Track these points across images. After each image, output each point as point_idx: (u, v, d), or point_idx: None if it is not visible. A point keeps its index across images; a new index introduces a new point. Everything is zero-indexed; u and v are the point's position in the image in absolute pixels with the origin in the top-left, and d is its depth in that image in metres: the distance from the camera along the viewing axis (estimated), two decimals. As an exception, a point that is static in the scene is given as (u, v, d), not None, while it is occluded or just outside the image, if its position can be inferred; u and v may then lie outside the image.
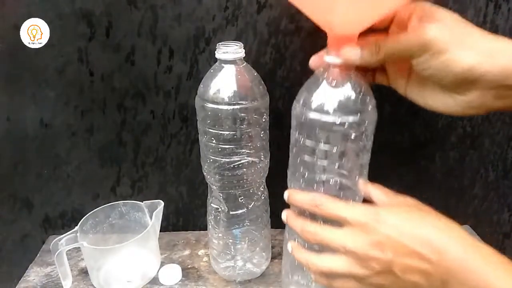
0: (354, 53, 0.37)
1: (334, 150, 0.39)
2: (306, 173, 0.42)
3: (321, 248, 0.40)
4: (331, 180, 0.41)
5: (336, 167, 0.40)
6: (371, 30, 0.42)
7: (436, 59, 0.36)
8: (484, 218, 0.69)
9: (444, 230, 0.35)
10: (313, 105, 0.39)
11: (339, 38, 0.38)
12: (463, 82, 0.36)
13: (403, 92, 0.43)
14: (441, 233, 0.34)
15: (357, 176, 0.41)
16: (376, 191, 0.41)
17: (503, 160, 0.65)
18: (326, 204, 0.39)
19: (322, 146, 0.39)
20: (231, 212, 0.53)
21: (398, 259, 0.34)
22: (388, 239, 0.35)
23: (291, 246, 0.43)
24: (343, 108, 0.38)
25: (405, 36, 0.37)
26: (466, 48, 0.35)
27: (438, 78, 0.37)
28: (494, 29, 0.55)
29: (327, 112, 0.38)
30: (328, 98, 0.38)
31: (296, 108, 0.41)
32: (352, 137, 0.38)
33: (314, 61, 0.44)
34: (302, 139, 0.41)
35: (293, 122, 0.42)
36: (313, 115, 0.39)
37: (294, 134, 0.42)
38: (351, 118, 0.38)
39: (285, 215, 0.43)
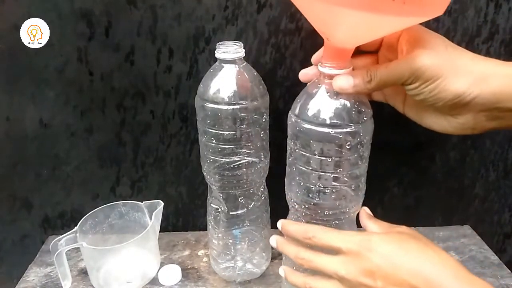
0: (346, 82, 0.37)
1: (329, 160, 0.39)
2: (302, 182, 0.41)
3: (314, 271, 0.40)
4: (327, 189, 0.40)
5: (332, 177, 0.40)
6: (361, 52, 0.42)
7: (427, 86, 0.36)
8: (484, 218, 0.69)
9: (437, 262, 0.34)
10: (308, 116, 0.39)
11: (335, 49, 0.38)
12: (455, 106, 0.36)
13: (401, 110, 0.44)
14: (434, 265, 0.34)
15: (353, 185, 0.41)
16: (373, 226, 0.41)
17: (504, 160, 0.64)
18: (319, 235, 0.39)
19: (317, 156, 0.39)
20: (231, 213, 0.53)
21: None
22: (378, 268, 0.35)
23: (283, 271, 0.44)
24: (338, 119, 0.38)
25: (395, 65, 0.37)
26: (456, 74, 0.35)
27: (430, 103, 0.37)
28: (495, 29, 0.55)
29: (321, 123, 0.38)
30: (323, 108, 0.38)
31: (291, 118, 0.41)
32: (347, 147, 0.38)
33: (304, 74, 0.44)
34: (298, 149, 0.40)
35: (289, 132, 0.42)
36: (307, 126, 0.39)
37: (290, 144, 0.42)
38: (346, 129, 0.38)
39: (275, 241, 0.44)
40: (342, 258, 0.37)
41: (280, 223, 0.43)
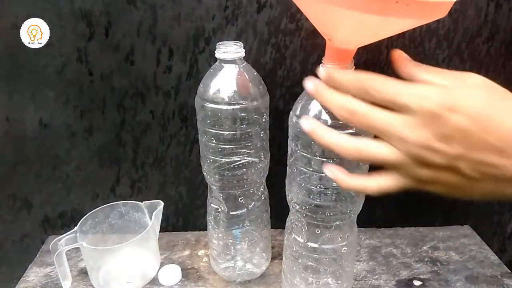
0: None
1: (331, 162, 0.39)
2: (303, 183, 0.41)
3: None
4: (328, 190, 0.40)
5: None
6: None
7: None
8: (485, 219, 0.69)
9: None
10: (309, 117, 0.38)
11: (337, 50, 0.38)
12: None
13: None
14: None
15: None
16: (434, 76, 0.31)
17: (504, 160, 0.64)
18: (378, 86, 0.29)
19: (318, 158, 0.39)
20: (231, 213, 0.53)
21: (469, 154, 0.28)
22: (461, 132, 0.28)
23: (307, 123, 0.32)
24: (339, 120, 0.37)
25: None
26: None
27: None
28: (495, 29, 0.55)
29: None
30: (324, 109, 0.38)
31: (292, 119, 0.41)
32: None
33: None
34: (298, 150, 0.40)
35: (290, 133, 0.42)
36: None
37: (291, 145, 0.42)
38: (347, 130, 0.37)
39: (312, 84, 0.32)
40: (411, 119, 0.28)
41: (321, 69, 0.33)
